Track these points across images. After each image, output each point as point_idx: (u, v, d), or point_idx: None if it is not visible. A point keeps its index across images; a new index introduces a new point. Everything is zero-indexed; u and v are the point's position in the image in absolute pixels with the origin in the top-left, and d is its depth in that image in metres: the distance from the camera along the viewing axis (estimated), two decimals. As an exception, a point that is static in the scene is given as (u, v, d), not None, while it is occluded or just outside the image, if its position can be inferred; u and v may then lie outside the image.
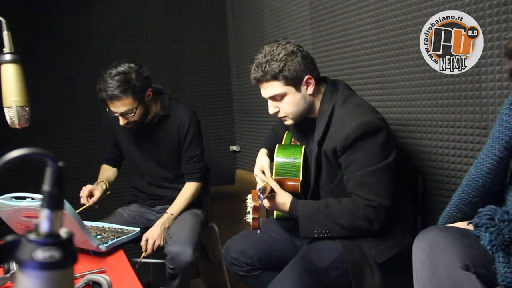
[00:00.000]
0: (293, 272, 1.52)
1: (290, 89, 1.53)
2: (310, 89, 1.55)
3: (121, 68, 1.91)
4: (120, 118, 1.96)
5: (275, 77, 1.52)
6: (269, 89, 1.55)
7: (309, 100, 1.57)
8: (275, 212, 1.68)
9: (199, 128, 2.18)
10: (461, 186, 1.29)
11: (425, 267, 1.14)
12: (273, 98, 1.57)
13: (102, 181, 2.15)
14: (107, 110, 1.98)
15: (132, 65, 1.94)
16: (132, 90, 1.90)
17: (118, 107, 1.92)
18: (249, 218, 1.40)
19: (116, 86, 1.87)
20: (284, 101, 1.56)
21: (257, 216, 1.38)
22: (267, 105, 1.63)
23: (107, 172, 2.27)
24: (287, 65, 1.50)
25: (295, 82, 1.53)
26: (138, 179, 2.29)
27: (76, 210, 1.92)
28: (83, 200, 1.99)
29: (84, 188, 2.02)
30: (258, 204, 1.37)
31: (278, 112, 1.59)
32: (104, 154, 2.32)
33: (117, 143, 2.25)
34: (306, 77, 1.53)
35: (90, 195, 2.02)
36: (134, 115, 1.95)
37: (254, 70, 1.55)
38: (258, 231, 1.45)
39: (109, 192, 2.16)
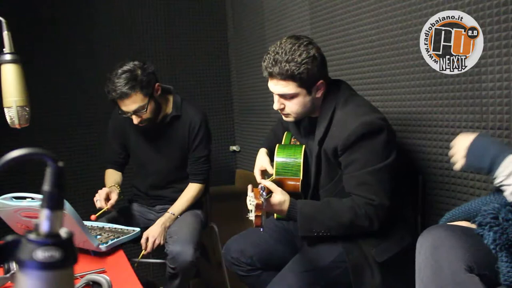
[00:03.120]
0: (293, 271, 1.52)
1: (302, 91, 1.51)
2: (320, 93, 1.55)
3: (125, 67, 1.92)
4: (133, 117, 1.96)
5: (291, 78, 1.48)
6: (281, 87, 1.52)
7: (316, 102, 1.57)
8: (275, 212, 1.68)
9: (209, 130, 2.19)
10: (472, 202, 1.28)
11: (428, 266, 1.13)
12: (283, 96, 1.55)
13: (114, 185, 2.11)
14: (119, 112, 1.98)
15: (136, 62, 1.96)
16: (140, 85, 1.91)
17: (129, 105, 1.92)
18: (251, 216, 1.39)
19: (123, 84, 1.88)
20: (293, 101, 1.54)
21: (260, 214, 1.37)
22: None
23: (115, 176, 2.23)
24: (306, 69, 1.47)
25: (309, 86, 1.51)
26: (141, 179, 2.28)
27: (96, 214, 1.90)
28: (100, 204, 1.95)
29: (100, 191, 1.99)
30: (260, 201, 1.36)
31: (283, 108, 1.58)
32: (110, 156, 2.28)
33: (125, 144, 2.23)
34: (320, 82, 1.52)
35: (107, 198, 1.98)
36: (146, 111, 1.95)
37: (270, 64, 1.50)
38: (261, 229, 1.44)
39: (122, 197, 2.11)
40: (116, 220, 2.05)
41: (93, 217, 1.86)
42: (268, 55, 1.51)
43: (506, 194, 1.11)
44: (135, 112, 1.94)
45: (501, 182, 1.10)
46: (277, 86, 1.53)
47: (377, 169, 1.46)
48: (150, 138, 2.15)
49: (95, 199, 1.98)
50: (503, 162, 1.09)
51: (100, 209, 1.95)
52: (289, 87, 1.50)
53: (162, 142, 2.15)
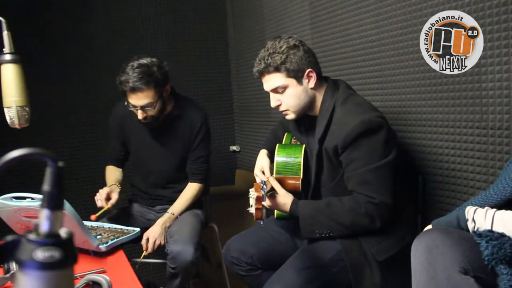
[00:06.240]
0: (293, 268, 1.52)
1: (292, 81, 1.55)
2: (312, 83, 1.57)
3: (142, 61, 1.92)
4: (139, 112, 1.95)
5: (277, 69, 1.53)
6: (270, 81, 1.56)
7: (310, 94, 1.58)
8: (275, 211, 1.68)
9: (209, 130, 2.19)
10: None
11: (423, 269, 1.13)
12: (275, 90, 1.58)
13: (115, 184, 2.10)
14: (126, 104, 1.97)
15: (153, 59, 1.95)
16: (154, 82, 1.91)
17: (140, 99, 1.91)
18: (252, 209, 1.39)
19: (138, 78, 1.87)
20: (286, 93, 1.57)
21: (260, 207, 1.38)
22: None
23: (116, 174, 2.22)
24: (289, 57, 1.52)
25: (296, 75, 1.54)
26: (141, 178, 2.28)
27: (96, 213, 1.89)
28: (101, 203, 1.95)
29: (100, 191, 1.99)
30: (261, 194, 1.36)
31: (279, 105, 1.60)
32: (110, 153, 2.28)
33: (126, 141, 2.23)
34: (308, 70, 1.55)
35: (107, 198, 1.98)
36: (154, 108, 1.95)
37: (256, 63, 1.57)
38: (261, 222, 1.44)
39: (120, 188, 2.10)
40: (116, 220, 2.05)
41: (93, 217, 1.86)
42: (255, 59, 1.58)
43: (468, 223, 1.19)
44: (143, 107, 1.94)
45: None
46: (267, 83, 1.58)
47: (377, 167, 1.46)
48: (151, 137, 2.14)
49: (96, 198, 1.98)
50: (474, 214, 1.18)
51: (101, 208, 1.95)
52: (277, 80, 1.55)
53: (163, 141, 2.15)
